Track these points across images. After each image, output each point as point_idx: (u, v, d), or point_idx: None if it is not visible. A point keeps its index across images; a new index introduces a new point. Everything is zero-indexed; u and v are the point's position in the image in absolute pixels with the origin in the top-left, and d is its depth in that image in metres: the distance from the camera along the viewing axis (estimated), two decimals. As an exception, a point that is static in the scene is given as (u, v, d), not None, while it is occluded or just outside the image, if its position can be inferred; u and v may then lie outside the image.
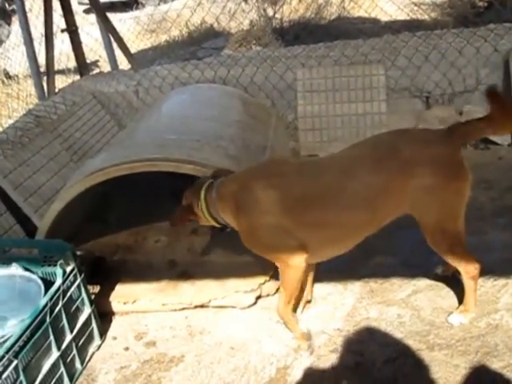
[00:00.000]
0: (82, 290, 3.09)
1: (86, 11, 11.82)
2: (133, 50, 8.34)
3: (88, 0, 5.27)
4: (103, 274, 3.62)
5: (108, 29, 5.49)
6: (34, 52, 4.94)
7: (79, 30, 5.58)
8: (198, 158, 3.12)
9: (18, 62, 7.81)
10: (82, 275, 3.08)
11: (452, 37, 4.66)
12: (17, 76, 8.40)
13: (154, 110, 4.46)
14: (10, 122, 5.39)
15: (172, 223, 2.97)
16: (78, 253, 3.71)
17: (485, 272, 3.08)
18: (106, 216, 4.27)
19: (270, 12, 7.53)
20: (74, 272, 3.01)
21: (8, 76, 8.73)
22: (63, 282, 2.92)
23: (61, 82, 6.69)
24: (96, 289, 3.51)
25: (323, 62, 4.76)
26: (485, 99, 2.57)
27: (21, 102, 7.01)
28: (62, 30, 5.35)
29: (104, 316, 3.32)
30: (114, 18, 7.75)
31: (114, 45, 5.80)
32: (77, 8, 10.72)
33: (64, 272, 2.94)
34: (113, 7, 10.51)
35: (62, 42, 5.69)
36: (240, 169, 3.16)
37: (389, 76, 4.65)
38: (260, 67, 4.90)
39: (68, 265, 2.98)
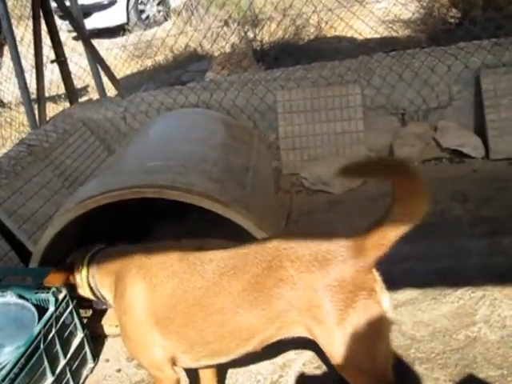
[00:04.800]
0: (75, 315, 3.09)
1: (76, 38, 11.88)
2: (120, 75, 8.37)
3: (76, 32, 5.17)
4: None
5: (95, 57, 5.49)
6: (25, 83, 4.94)
7: (69, 60, 5.59)
8: (182, 183, 3.10)
9: (10, 92, 7.82)
10: (74, 301, 3.07)
11: (424, 55, 4.68)
12: (10, 103, 8.38)
13: (141, 135, 4.43)
14: (4, 150, 5.37)
15: (46, 281, 2.59)
16: None
17: (463, 284, 3.11)
18: (99, 239, 4.23)
19: (251, 35, 7.54)
20: (66, 299, 3.01)
21: (2, 104, 8.71)
22: (56, 310, 2.92)
23: (52, 108, 6.71)
24: (88, 312, 3.49)
25: (302, 84, 4.78)
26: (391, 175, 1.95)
27: (13, 132, 6.98)
28: (52, 61, 5.36)
29: (97, 338, 3.31)
30: (102, 44, 7.79)
31: (102, 72, 5.78)
32: (67, 36, 10.78)
33: (56, 299, 2.94)
34: (100, 34, 10.53)
35: (52, 72, 5.70)
36: (223, 191, 3.17)
37: (365, 95, 4.68)
38: (241, 91, 4.91)
39: (60, 292, 2.98)
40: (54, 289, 2.92)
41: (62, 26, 8.75)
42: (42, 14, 5.09)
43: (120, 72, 8.33)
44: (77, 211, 3.16)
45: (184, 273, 2.19)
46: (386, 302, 1.99)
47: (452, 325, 2.91)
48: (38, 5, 4.88)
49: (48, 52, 5.42)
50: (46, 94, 5.31)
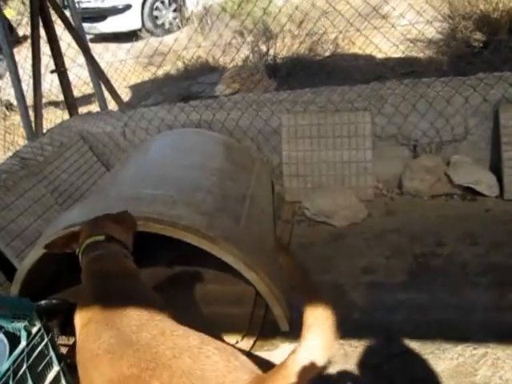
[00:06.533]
0: (50, 348, 2.98)
1: (92, 41, 11.90)
2: (131, 83, 8.37)
3: (75, 41, 5.10)
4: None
5: (95, 69, 5.42)
6: (22, 94, 4.88)
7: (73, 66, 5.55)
8: (168, 215, 3.01)
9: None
10: (50, 334, 2.96)
11: (440, 85, 4.53)
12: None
13: (138, 154, 4.37)
14: (10, 154, 5.33)
15: (48, 246, 2.53)
16: (53, 301, 3.68)
17: (464, 339, 2.98)
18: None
19: (264, 48, 7.45)
20: (40, 332, 2.90)
21: (10, 107, 8.73)
22: (28, 344, 2.81)
23: (54, 112, 6.67)
24: (71, 340, 3.40)
25: (309, 108, 4.66)
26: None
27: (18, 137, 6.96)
28: (52, 71, 5.30)
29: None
30: (113, 49, 7.73)
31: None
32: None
33: (29, 333, 2.84)
34: (113, 38, 10.54)
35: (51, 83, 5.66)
36: (212, 226, 3.07)
37: (375, 123, 4.54)
38: (245, 112, 4.80)
39: (33, 325, 2.88)
40: (25, 323, 2.82)
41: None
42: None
43: (131, 80, 8.33)
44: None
45: None
46: None
47: (449, 385, 2.77)
48: (36, 13, 4.81)
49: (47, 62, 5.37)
50: (50, 98, 5.27)
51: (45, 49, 5.11)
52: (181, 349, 1.73)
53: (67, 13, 5.27)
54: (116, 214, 2.55)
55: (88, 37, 11.89)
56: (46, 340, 2.93)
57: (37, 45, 4.83)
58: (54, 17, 5.05)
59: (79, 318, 2.13)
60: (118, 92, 6.05)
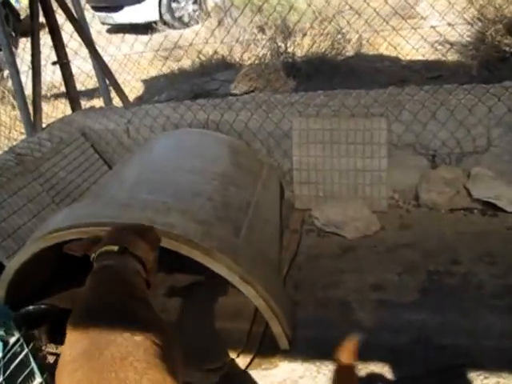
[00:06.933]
0: (31, 359, 2.90)
1: (109, 31, 11.90)
2: (145, 76, 8.31)
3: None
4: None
5: (99, 63, 5.33)
6: (21, 85, 4.80)
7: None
8: (160, 223, 2.89)
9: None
10: (31, 344, 2.89)
11: (463, 93, 4.38)
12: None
13: (138, 155, 4.29)
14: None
15: (68, 247, 2.42)
16: (42, 306, 3.59)
17: (475, 366, 2.85)
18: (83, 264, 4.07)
19: (282, 46, 7.32)
20: (19, 342, 2.82)
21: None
22: (4, 355, 2.73)
23: (54, 108, 6.61)
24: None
25: (321, 112, 4.53)
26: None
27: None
28: (53, 63, 5.21)
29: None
30: (128, 40, 7.67)
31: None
32: (101, 28, 10.80)
33: (5, 344, 2.75)
34: (129, 30, 10.47)
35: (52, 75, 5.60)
36: (207, 235, 2.97)
37: (392, 131, 4.41)
38: (255, 113, 4.68)
39: (11, 335, 2.80)
40: (2, 332, 2.73)
41: (95, 17, 8.82)
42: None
43: (143, 73, 8.27)
44: (39, 244, 3.05)
45: None
46: None
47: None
48: (35, 1, 4.72)
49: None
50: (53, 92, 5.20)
51: (47, 40, 5.04)
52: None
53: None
54: (141, 225, 2.46)
55: (106, 27, 12.00)
56: (26, 350, 2.85)
57: (36, 34, 4.75)
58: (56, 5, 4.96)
59: (69, 323, 2.02)
60: (131, 86, 5.97)
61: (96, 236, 2.38)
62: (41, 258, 3.22)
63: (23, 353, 2.84)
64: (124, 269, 2.17)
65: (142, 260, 2.24)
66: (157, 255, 2.40)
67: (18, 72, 4.73)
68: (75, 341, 1.86)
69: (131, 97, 6.82)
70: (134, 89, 7.79)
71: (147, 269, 2.26)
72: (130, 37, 8.67)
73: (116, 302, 2.04)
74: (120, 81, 5.82)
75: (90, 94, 7.65)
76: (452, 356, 2.98)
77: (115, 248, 2.20)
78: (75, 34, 5.06)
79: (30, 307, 3.49)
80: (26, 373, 2.87)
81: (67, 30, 5.16)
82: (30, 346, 2.89)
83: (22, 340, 2.83)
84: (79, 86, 5.90)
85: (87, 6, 10.08)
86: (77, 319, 1.96)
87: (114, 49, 6.10)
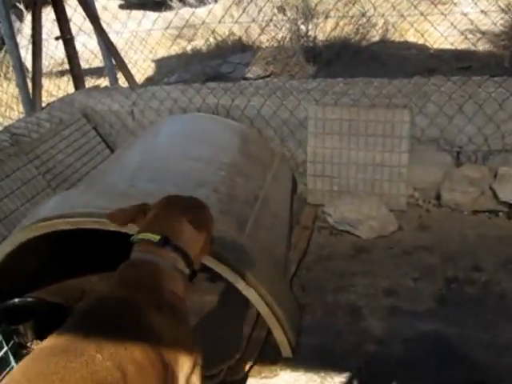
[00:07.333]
0: (11, 358, 2.78)
1: (122, 6, 11.74)
2: (157, 56, 8.18)
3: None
4: (60, 323, 3.30)
5: (104, 40, 5.19)
6: (20, 60, 4.68)
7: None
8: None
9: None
10: (11, 343, 2.76)
11: (493, 86, 4.22)
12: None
13: (142, 139, 4.17)
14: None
15: (110, 216, 2.26)
16: (29, 299, 3.47)
17: (494, 380, 2.73)
18: (76, 255, 3.94)
19: (303, 29, 7.17)
20: (-2, 340, 2.71)
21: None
22: (-19, 353, 2.64)
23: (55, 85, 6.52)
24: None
25: (340, 101, 4.37)
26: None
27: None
28: (56, 38, 5.10)
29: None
30: (139, 17, 7.56)
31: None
32: (112, 4, 10.66)
33: (-19, 341, 2.65)
34: (143, 5, 10.34)
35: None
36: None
37: (415, 124, 4.26)
38: (268, 99, 4.54)
39: (-10, 333, 2.69)
40: (-20, 329, 2.63)
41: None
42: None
43: (157, 53, 8.15)
44: (26, 234, 2.93)
45: None
46: None
47: None
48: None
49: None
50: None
51: (50, 14, 4.92)
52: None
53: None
54: (193, 201, 2.27)
55: (118, 2, 11.84)
56: (5, 348, 2.73)
57: (38, 7, 4.62)
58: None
59: (76, 309, 1.95)
60: (143, 66, 5.85)
61: (144, 204, 2.19)
62: (28, 247, 3.09)
63: (2, 351, 2.73)
64: (159, 267, 2.00)
65: (184, 252, 2.07)
66: (209, 236, 2.23)
67: (17, 46, 4.62)
68: (65, 330, 1.79)
69: (140, 78, 6.71)
70: (141, 69, 7.67)
71: (191, 259, 2.09)
72: (146, 13, 8.56)
73: (128, 313, 1.88)
74: (127, 60, 5.72)
75: (96, 72, 7.55)
76: (468, 371, 2.84)
77: (156, 238, 2.02)
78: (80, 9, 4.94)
79: (16, 300, 3.38)
80: (5, 373, 2.75)
81: (71, 3, 5.04)
82: (11, 344, 2.77)
83: (0, 337, 2.72)
84: (84, 64, 5.78)
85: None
86: (80, 312, 1.90)
87: (120, 26, 5.98)
